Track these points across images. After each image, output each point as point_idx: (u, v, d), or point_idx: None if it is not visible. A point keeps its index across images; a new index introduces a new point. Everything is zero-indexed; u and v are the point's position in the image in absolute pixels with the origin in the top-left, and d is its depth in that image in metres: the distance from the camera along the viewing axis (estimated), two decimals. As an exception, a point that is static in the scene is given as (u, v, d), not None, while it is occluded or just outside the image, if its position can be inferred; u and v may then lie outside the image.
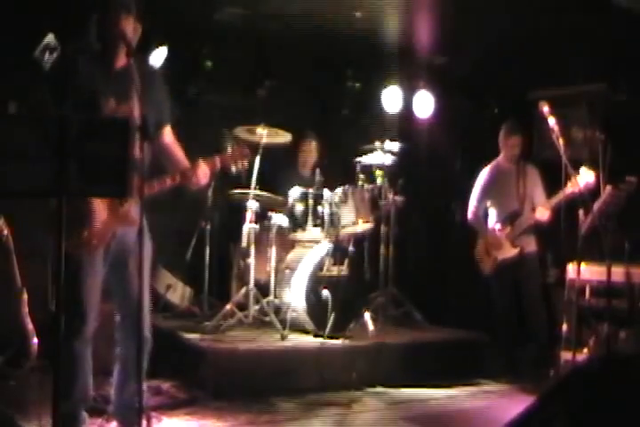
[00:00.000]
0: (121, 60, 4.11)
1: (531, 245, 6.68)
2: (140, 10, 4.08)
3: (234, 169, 4.38)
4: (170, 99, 4.35)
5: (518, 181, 6.67)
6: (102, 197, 3.93)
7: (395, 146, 7.29)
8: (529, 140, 6.85)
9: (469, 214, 6.95)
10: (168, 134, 4.35)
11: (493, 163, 6.93)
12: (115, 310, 4.31)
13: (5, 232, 4.08)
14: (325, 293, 6.46)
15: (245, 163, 4.43)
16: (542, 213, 6.38)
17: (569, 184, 5.95)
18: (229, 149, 4.38)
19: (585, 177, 5.96)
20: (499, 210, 6.78)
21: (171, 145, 4.35)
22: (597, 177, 5.92)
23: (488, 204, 6.85)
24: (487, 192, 6.88)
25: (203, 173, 4.21)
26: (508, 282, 6.68)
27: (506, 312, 6.71)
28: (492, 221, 6.81)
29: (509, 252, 6.62)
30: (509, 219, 6.66)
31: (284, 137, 6.99)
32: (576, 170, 5.94)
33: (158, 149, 4.23)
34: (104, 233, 4.01)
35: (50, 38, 5.46)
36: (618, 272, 5.94)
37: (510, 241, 6.62)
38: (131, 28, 4.04)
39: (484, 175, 6.94)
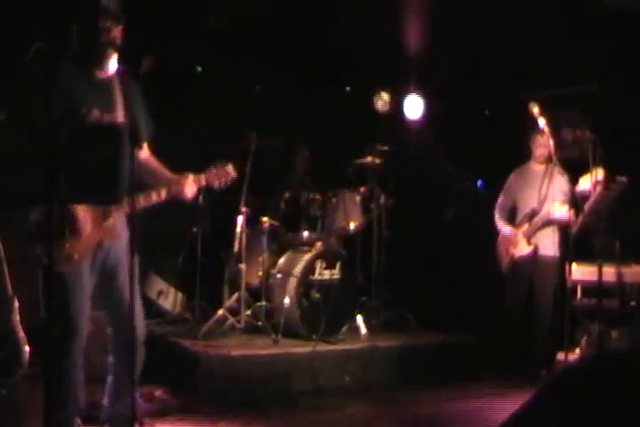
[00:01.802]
0: (105, 71, 4.09)
1: (549, 247, 6.64)
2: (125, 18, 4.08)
3: (217, 186, 4.40)
4: (149, 116, 4.34)
5: (543, 182, 6.64)
6: (93, 204, 3.91)
7: (385, 148, 7.29)
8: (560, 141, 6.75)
9: (495, 212, 6.99)
10: (145, 150, 4.34)
11: (524, 164, 6.95)
12: (106, 322, 4.30)
13: (-4, 240, 4.07)
14: (317, 296, 6.45)
15: (229, 181, 4.44)
16: (559, 209, 6.33)
17: (579, 183, 5.95)
18: (214, 168, 4.38)
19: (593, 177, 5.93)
20: (521, 209, 6.81)
21: (148, 160, 4.34)
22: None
23: (513, 202, 6.88)
24: (512, 191, 6.92)
25: (190, 186, 4.23)
26: (521, 280, 6.68)
27: (513, 311, 6.71)
28: (517, 219, 6.84)
29: (524, 249, 6.63)
30: (527, 217, 6.67)
31: (275, 141, 6.98)
32: (569, 170, 5.97)
33: (140, 165, 4.18)
34: (86, 247, 3.97)
35: (39, 46, 5.44)
36: (609, 272, 5.95)
37: (526, 239, 6.63)
38: (118, 37, 4.03)
39: (512, 175, 6.99)
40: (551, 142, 6.02)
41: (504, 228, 6.82)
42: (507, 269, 6.77)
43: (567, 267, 6.22)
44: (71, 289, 3.95)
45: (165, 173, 4.31)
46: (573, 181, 6.12)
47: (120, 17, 4.03)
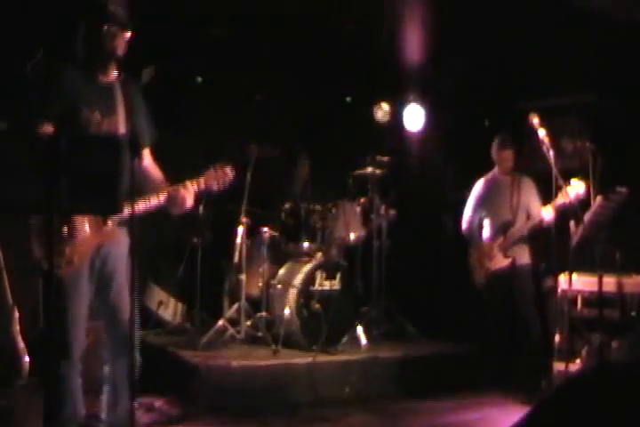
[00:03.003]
0: (107, 75, 4.11)
1: (524, 256, 6.67)
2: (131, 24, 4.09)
3: (216, 188, 4.37)
4: (151, 120, 4.34)
5: (512, 193, 6.67)
6: (92, 215, 3.92)
7: (386, 159, 7.30)
8: (520, 152, 6.83)
9: (464, 225, 6.98)
10: (147, 156, 4.33)
11: (489, 174, 6.95)
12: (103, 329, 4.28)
13: (-4, 250, 4.07)
14: (317, 307, 6.45)
15: (227, 183, 4.41)
16: (548, 212, 6.33)
17: (560, 194, 5.98)
18: (212, 170, 4.35)
19: (576, 188, 5.99)
20: (492, 221, 6.78)
21: (149, 167, 4.33)
22: (588, 188, 5.93)
23: (482, 215, 6.87)
24: (481, 203, 6.91)
25: (189, 193, 4.20)
26: (500, 293, 6.67)
27: (498, 324, 6.70)
28: (486, 231, 6.81)
29: (501, 262, 6.62)
30: (502, 229, 6.66)
31: (275, 152, 6.98)
32: (567, 181, 5.98)
33: (137, 171, 4.16)
34: (86, 251, 3.97)
35: (40, 56, 5.46)
36: (609, 282, 5.94)
37: (502, 251, 6.62)
38: (122, 44, 4.05)
39: (478, 186, 6.98)
40: (551, 153, 6.02)
41: (478, 242, 6.82)
42: (482, 283, 6.75)
43: (541, 276, 6.28)
44: (69, 295, 3.94)
45: (163, 183, 4.29)
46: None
47: (126, 23, 4.04)
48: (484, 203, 6.89)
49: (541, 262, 6.94)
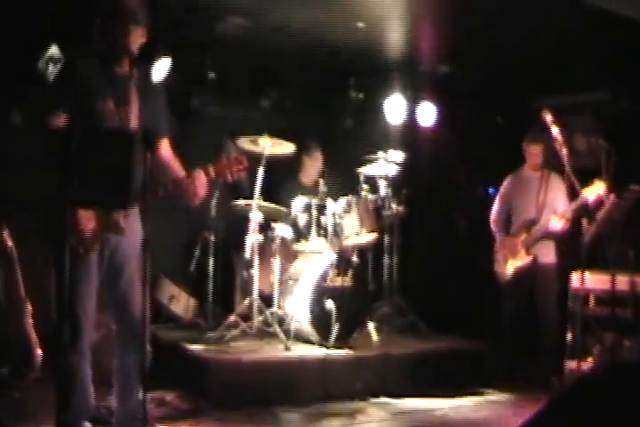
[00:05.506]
0: (122, 67, 4.11)
1: (548, 255, 6.64)
2: (148, 19, 4.08)
3: (230, 178, 4.29)
4: (168, 111, 4.32)
5: (539, 190, 6.64)
6: (104, 208, 3.91)
7: (398, 156, 7.30)
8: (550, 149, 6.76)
9: (491, 220, 6.97)
10: (165, 147, 4.30)
11: (519, 170, 6.94)
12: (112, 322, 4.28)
13: (10, 244, 4.08)
14: (329, 303, 6.45)
15: (242, 171, 4.35)
16: (555, 222, 6.35)
17: (582, 193, 5.98)
18: (224, 158, 4.29)
19: (596, 189, 5.95)
20: (517, 217, 6.80)
21: (168, 159, 4.29)
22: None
23: (509, 210, 6.87)
24: (508, 199, 6.92)
25: (200, 184, 4.13)
26: (522, 290, 6.66)
27: (516, 320, 6.69)
28: (513, 227, 6.81)
29: (524, 259, 6.61)
30: (526, 226, 6.65)
31: (287, 147, 6.98)
32: (582, 179, 5.97)
33: (155, 162, 4.07)
34: (91, 242, 3.96)
35: (54, 50, 5.48)
36: (622, 281, 5.94)
37: (525, 248, 6.60)
38: (137, 40, 4.04)
39: (507, 182, 6.98)
40: (564, 150, 6.01)
41: (503, 237, 6.80)
42: (505, 278, 6.73)
43: (567, 275, 6.25)
44: (78, 287, 3.92)
45: (178, 172, 4.24)
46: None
47: (140, 19, 4.02)
48: (510, 198, 6.89)
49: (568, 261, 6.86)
